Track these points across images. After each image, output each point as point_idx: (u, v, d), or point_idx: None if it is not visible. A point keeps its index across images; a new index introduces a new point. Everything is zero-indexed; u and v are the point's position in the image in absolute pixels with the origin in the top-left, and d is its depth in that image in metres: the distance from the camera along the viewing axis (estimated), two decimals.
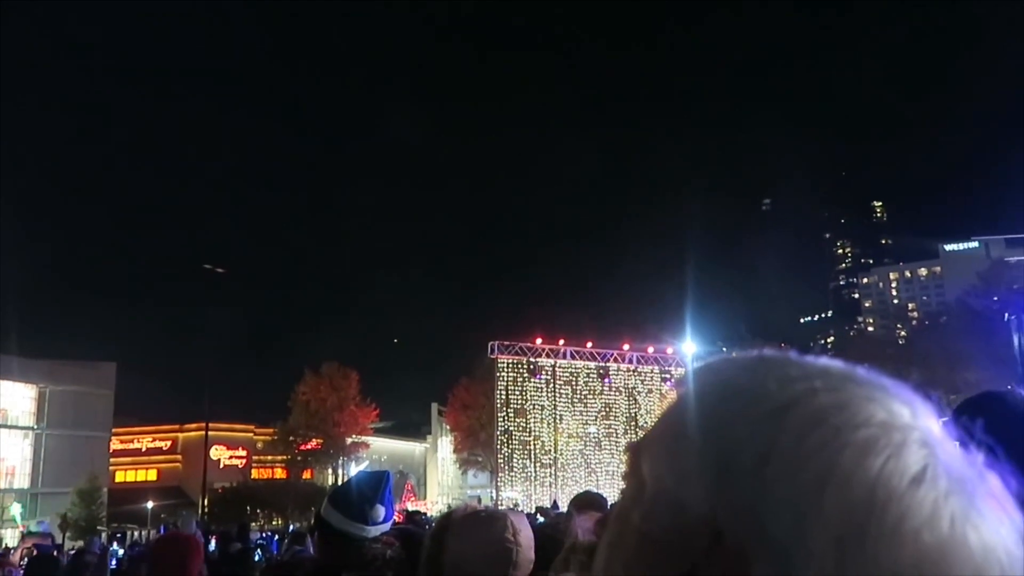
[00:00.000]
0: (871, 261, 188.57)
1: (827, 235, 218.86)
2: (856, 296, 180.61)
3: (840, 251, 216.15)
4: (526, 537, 2.19)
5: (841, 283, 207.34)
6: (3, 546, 32.47)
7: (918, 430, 0.51)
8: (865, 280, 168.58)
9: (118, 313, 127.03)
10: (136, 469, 70.71)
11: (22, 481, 52.57)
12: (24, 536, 29.72)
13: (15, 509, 45.28)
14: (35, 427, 53.52)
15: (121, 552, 20.06)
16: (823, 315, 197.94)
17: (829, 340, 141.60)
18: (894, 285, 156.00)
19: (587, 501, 4.25)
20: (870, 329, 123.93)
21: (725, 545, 0.51)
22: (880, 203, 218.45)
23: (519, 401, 41.58)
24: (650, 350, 44.99)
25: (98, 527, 47.83)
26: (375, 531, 2.95)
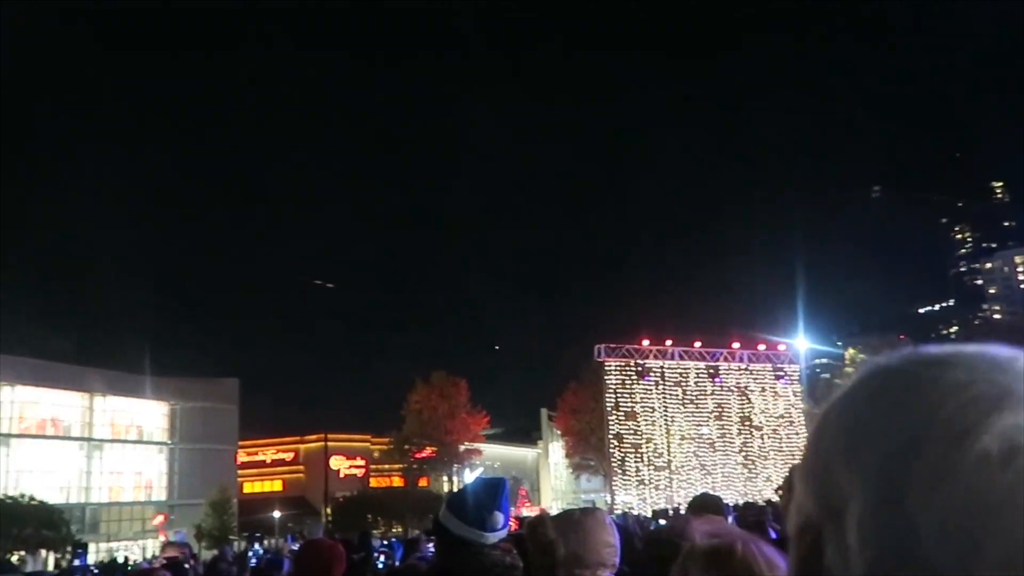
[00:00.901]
0: (994, 245, 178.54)
1: (943, 220, 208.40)
2: (979, 282, 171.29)
3: (959, 236, 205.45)
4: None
5: (962, 269, 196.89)
6: (148, 556, 34.31)
7: None
8: (988, 265, 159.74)
9: (237, 330, 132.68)
10: (262, 480, 73.56)
11: (159, 494, 55.53)
12: (164, 546, 31.37)
13: (158, 522, 47.78)
14: (168, 442, 56.46)
15: (262, 551, 21.02)
16: (944, 304, 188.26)
17: (952, 330, 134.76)
18: (1021, 269, 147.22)
19: (703, 504, 4.25)
20: (996, 316, 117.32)
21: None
22: (1001, 183, 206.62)
23: (629, 404, 41.28)
24: (761, 347, 43.91)
25: (230, 536, 50.09)
26: (493, 538, 2.95)
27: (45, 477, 47.09)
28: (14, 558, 32.46)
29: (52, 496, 41.37)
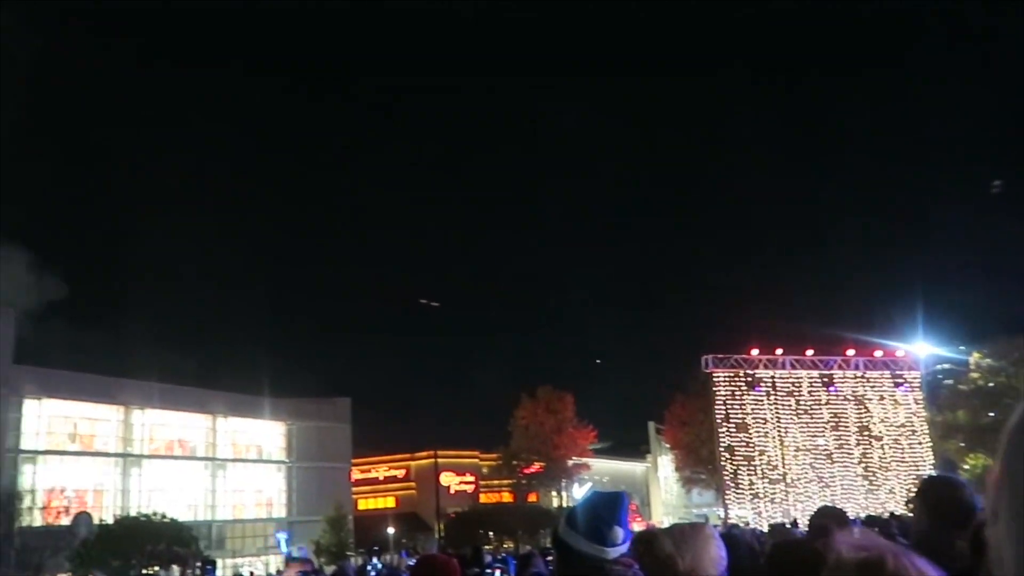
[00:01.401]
0: None
1: None
2: None
3: None
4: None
5: None
6: (272, 571, 35.51)
7: None
8: None
9: (348, 349, 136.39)
10: (376, 497, 75.21)
11: (279, 511, 57.55)
12: (288, 562, 32.45)
13: (281, 538, 49.39)
14: (286, 461, 58.50)
15: (381, 566, 21.55)
16: None
17: None
18: None
19: (826, 518, 4.17)
20: None
21: None
22: None
23: (739, 415, 40.37)
24: (878, 354, 42.23)
25: (347, 552, 51.37)
26: (614, 553, 2.92)
27: (174, 495, 49.53)
28: (150, 573, 34.32)
29: (181, 513, 43.37)
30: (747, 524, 33.66)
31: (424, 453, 70.64)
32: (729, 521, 35.09)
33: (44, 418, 45.67)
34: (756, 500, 39.00)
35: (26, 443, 44.19)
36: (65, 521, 36.26)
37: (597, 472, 71.18)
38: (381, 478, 75.91)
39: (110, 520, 38.46)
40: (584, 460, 66.95)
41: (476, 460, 75.18)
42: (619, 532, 2.93)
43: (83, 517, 37.24)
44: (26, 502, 34.02)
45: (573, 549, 2.93)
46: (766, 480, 39.51)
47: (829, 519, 4.03)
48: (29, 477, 42.76)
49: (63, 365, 47.98)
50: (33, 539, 31.83)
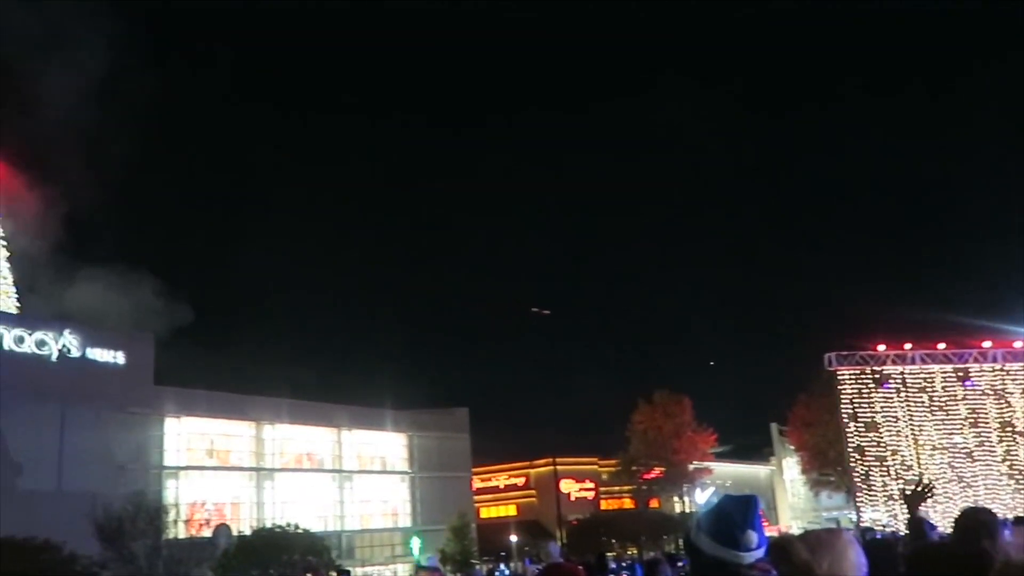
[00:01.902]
0: None
1: None
2: None
3: None
4: None
5: None
6: None
7: None
8: None
9: (465, 360, 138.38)
10: (497, 505, 75.95)
11: (405, 520, 58.87)
12: (418, 570, 33.22)
13: (415, 545, 50.56)
14: (409, 471, 59.82)
15: (508, 573, 21.89)
16: None
17: None
18: None
19: (975, 518, 3.99)
20: None
21: None
22: None
23: (868, 414, 38.79)
24: (1018, 344, 39.78)
25: (471, 560, 52.07)
26: (749, 557, 2.83)
27: (305, 507, 51.40)
28: None
29: (311, 524, 44.92)
30: (884, 527, 32.30)
31: (543, 461, 70.87)
32: (863, 524, 33.75)
33: (184, 435, 48.31)
34: (891, 502, 37.31)
35: (168, 459, 46.89)
36: (206, 533, 38.08)
37: (719, 476, 69.71)
38: (502, 486, 76.60)
39: (247, 531, 40.27)
40: (705, 464, 65.71)
41: (595, 467, 74.87)
42: (753, 536, 2.85)
43: (223, 529, 39.12)
44: (171, 515, 35.93)
45: (706, 554, 2.86)
46: (901, 481, 37.74)
47: (977, 521, 3.85)
48: (172, 491, 45.30)
49: (198, 385, 50.79)
50: (179, 550, 33.59)
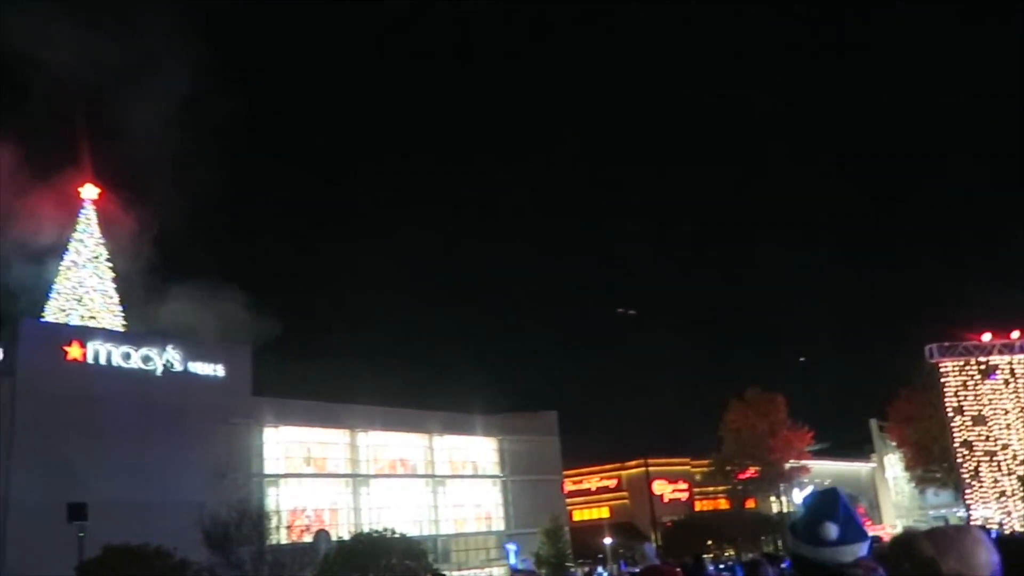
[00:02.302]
0: None
1: None
2: None
3: None
4: None
5: None
6: None
7: None
8: None
9: (552, 363, 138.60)
10: (590, 508, 75.71)
11: (498, 524, 59.22)
12: (513, 574, 33.61)
13: (511, 550, 50.87)
14: (500, 475, 60.16)
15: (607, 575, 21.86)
16: None
17: None
18: None
19: None
20: None
21: None
22: None
23: (974, 407, 37.23)
24: None
25: (566, 563, 52.01)
26: (834, 553, 2.75)
27: (400, 512, 52.26)
28: None
29: (407, 529, 45.55)
30: (999, 525, 30.94)
31: (634, 462, 70.34)
32: (974, 523, 32.33)
33: (282, 444, 49.80)
34: (1003, 499, 35.67)
35: (268, 468, 48.40)
36: (307, 538, 39.15)
37: (817, 475, 67.79)
38: (593, 489, 76.30)
39: (346, 536, 41.20)
40: (802, 463, 63.96)
41: (688, 467, 73.86)
42: (831, 528, 2.78)
43: (322, 534, 40.14)
44: (273, 522, 37.04)
45: (799, 556, 2.83)
46: (1013, 476, 36.07)
47: None
48: (273, 498, 46.72)
49: (293, 395, 52.32)
50: (282, 555, 34.61)
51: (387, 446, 55.36)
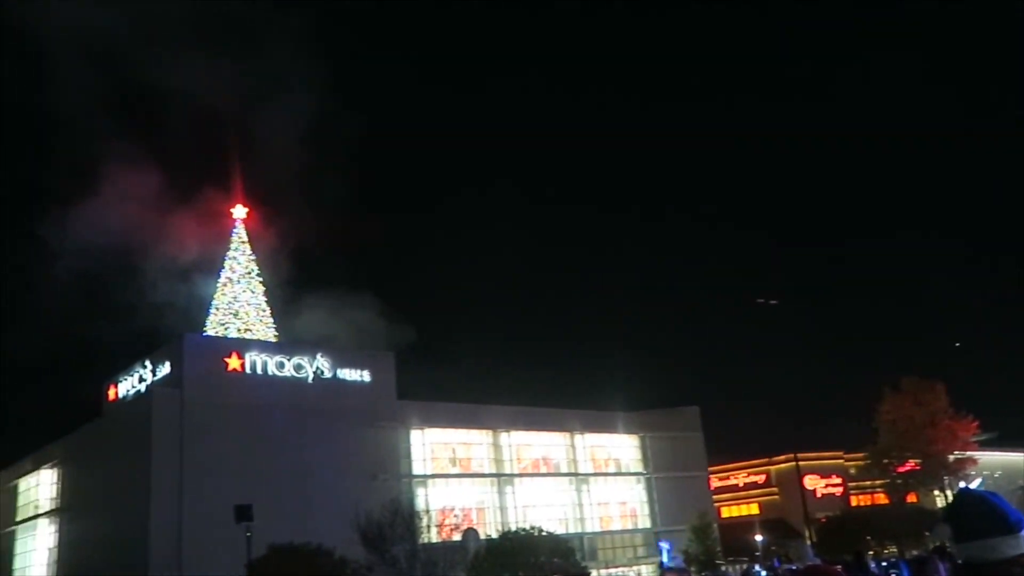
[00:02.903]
0: None
1: None
2: None
3: None
4: None
5: None
6: None
7: None
8: None
9: (693, 357, 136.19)
10: (738, 504, 73.81)
11: (644, 522, 58.63)
12: (664, 571, 33.18)
13: (664, 545, 50.40)
14: (644, 472, 59.53)
15: (764, 574, 21.23)
16: None
17: None
18: None
19: None
20: None
21: None
22: None
23: None
24: None
25: (716, 560, 50.93)
26: (980, 549, 2.69)
27: (544, 511, 52.58)
28: None
29: (552, 528, 45.75)
30: None
31: (783, 457, 68.09)
32: None
33: (427, 446, 51.10)
34: None
35: (416, 469, 49.78)
36: (456, 537, 39.98)
37: (985, 466, 63.66)
38: (741, 485, 74.36)
39: (494, 535, 41.83)
40: (968, 454, 60.09)
41: (841, 461, 70.88)
42: (943, 527, 2.83)
43: (471, 533, 40.88)
44: (424, 521, 38.00)
45: (949, 552, 2.86)
46: None
47: None
48: (422, 499, 48.00)
49: (436, 397, 53.64)
50: (433, 554, 35.49)
51: (530, 445, 55.82)
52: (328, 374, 47.34)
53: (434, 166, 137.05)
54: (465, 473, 52.63)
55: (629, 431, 59.47)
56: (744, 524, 65.31)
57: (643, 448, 60.02)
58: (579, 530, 54.27)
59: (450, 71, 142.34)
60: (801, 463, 58.89)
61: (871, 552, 45.88)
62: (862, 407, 62.68)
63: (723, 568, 50.31)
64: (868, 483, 67.21)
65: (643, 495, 59.30)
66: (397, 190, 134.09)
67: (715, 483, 68.05)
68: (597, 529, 56.16)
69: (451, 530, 40.62)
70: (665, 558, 46.93)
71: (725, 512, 70.96)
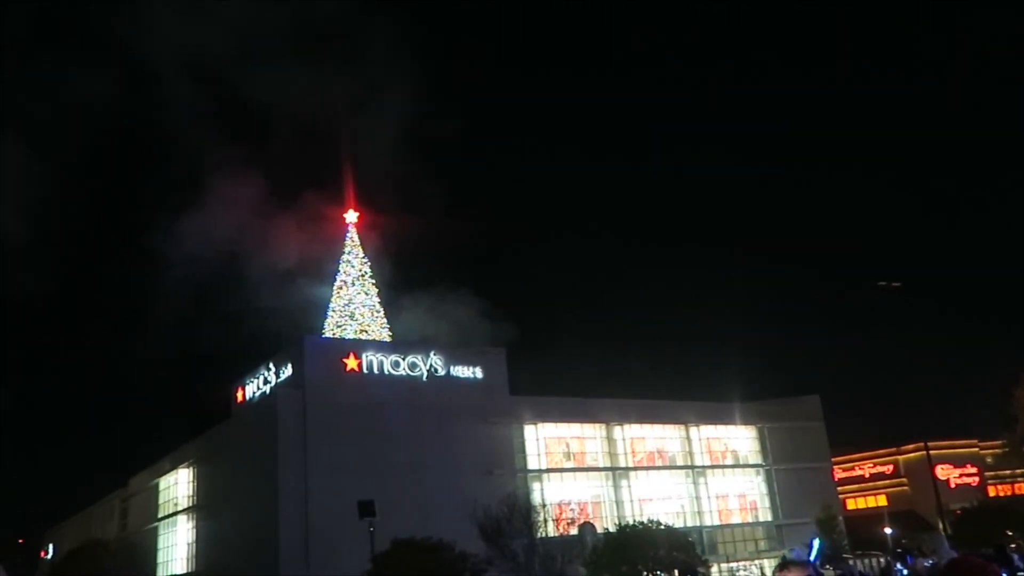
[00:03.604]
0: None
1: None
2: None
3: None
4: None
5: None
6: None
7: None
8: None
9: (809, 345, 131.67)
10: (864, 496, 71.04)
11: (765, 515, 57.13)
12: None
13: (814, 545, 48.99)
14: (763, 464, 58.01)
15: (905, 571, 20.36)
16: None
17: None
18: None
19: None
20: None
21: None
22: None
23: None
24: None
25: (843, 555, 49.13)
26: None
27: (661, 504, 51.94)
28: None
29: (669, 521, 45.16)
30: None
31: (912, 446, 65.17)
32: None
33: (541, 440, 51.27)
34: None
35: (531, 463, 50.02)
36: (573, 531, 39.95)
37: None
38: (867, 476, 71.57)
39: (611, 529, 41.58)
40: None
41: (975, 450, 67.25)
42: None
43: (588, 527, 40.80)
44: (540, 515, 38.12)
45: None
46: None
47: None
48: (538, 493, 48.21)
49: (547, 392, 53.75)
50: (551, 548, 35.58)
51: (644, 438, 55.26)
52: (441, 372, 48.12)
53: (531, 163, 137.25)
54: (579, 467, 52.54)
55: (746, 422, 58.07)
56: (871, 516, 62.83)
57: (761, 439, 58.51)
58: (697, 523, 53.42)
59: (543, 67, 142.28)
60: (932, 452, 56.04)
61: (1013, 545, 43.25)
62: (995, 392, 59.27)
63: (851, 562, 48.48)
64: (1007, 472, 63.54)
65: (763, 487, 57.84)
66: (493, 187, 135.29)
67: (839, 474, 65.77)
68: (716, 523, 55.13)
69: (567, 524, 40.64)
70: (814, 553, 45.45)
71: (851, 504, 68.48)
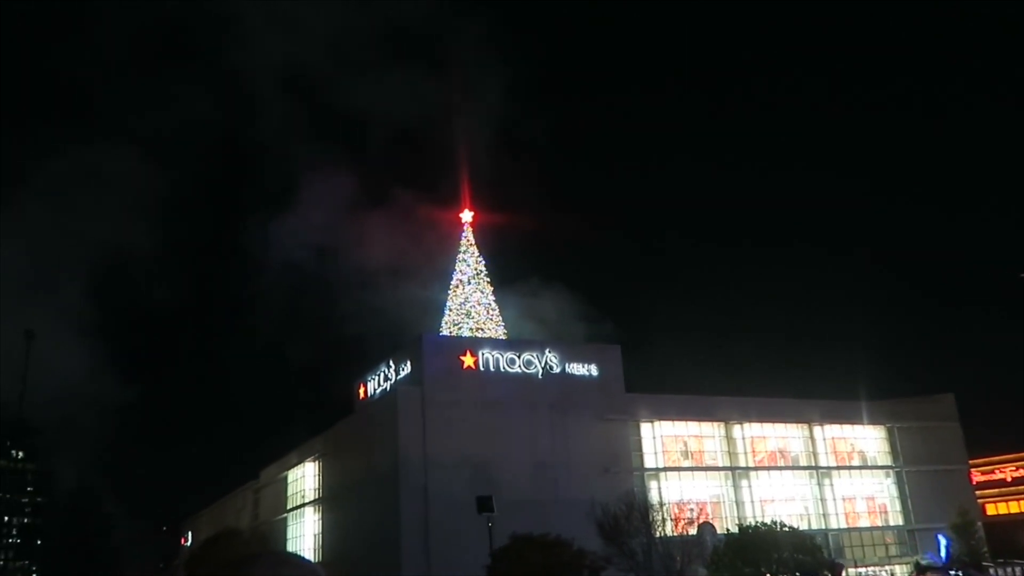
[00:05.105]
0: None
1: None
2: None
3: None
4: None
5: None
6: None
7: None
8: None
9: (943, 342, 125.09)
10: (1006, 501, 67.02)
11: (895, 519, 54.63)
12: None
13: (941, 540, 46.93)
14: (893, 465, 55.45)
15: None
16: None
17: None
18: None
19: None
20: None
21: None
22: None
23: None
24: None
25: (983, 563, 46.49)
26: None
27: (783, 505, 50.40)
28: None
29: (792, 523, 43.69)
30: None
31: None
32: None
33: (658, 439, 50.64)
34: None
35: (647, 462, 49.46)
36: (692, 531, 39.27)
37: None
38: (1009, 479, 67.46)
39: (731, 529, 40.67)
40: None
41: None
42: None
43: (707, 527, 40.01)
44: (658, 514, 37.66)
45: None
46: None
47: None
48: (655, 492, 47.64)
49: (665, 390, 53.03)
50: (670, 547, 35.11)
51: (765, 438, 53.83)
52: (557, 369, 48.23)
53: (630, 161, 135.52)
54: (698, 467, 51.63)
55: (875, 421, 55.65)
56: (1015, 523, 59.14)
57: (891, 440, 55.99)
58: (822, 526, 51.62)
59: (631, 67, 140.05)
60: None
61: None
62: None
63: (991, 571, 45.80)
64: None
65: (893, 490, 55.34)
66: (589, 186, 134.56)
67: (977, 477, 62.16)
68: (843, 526, 53.12)
69: (686, 524, 40.01)
70: (941, 553, 43.37)
71: (991, 509, 64.64)
